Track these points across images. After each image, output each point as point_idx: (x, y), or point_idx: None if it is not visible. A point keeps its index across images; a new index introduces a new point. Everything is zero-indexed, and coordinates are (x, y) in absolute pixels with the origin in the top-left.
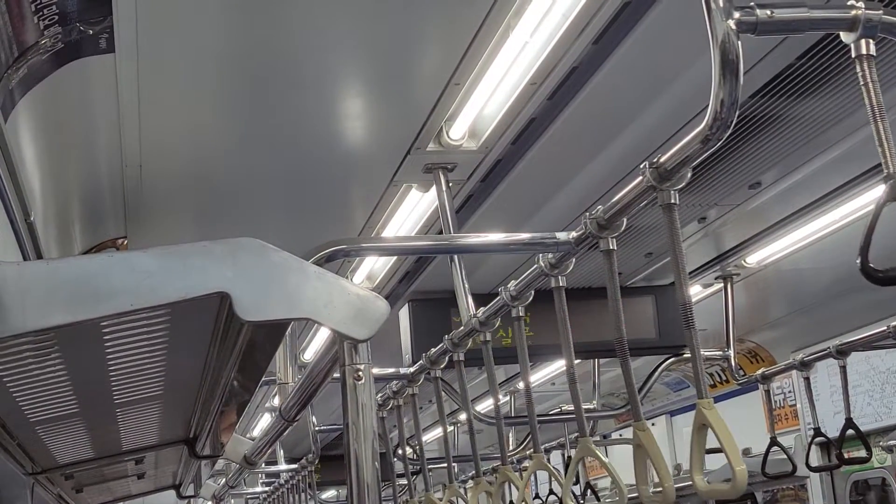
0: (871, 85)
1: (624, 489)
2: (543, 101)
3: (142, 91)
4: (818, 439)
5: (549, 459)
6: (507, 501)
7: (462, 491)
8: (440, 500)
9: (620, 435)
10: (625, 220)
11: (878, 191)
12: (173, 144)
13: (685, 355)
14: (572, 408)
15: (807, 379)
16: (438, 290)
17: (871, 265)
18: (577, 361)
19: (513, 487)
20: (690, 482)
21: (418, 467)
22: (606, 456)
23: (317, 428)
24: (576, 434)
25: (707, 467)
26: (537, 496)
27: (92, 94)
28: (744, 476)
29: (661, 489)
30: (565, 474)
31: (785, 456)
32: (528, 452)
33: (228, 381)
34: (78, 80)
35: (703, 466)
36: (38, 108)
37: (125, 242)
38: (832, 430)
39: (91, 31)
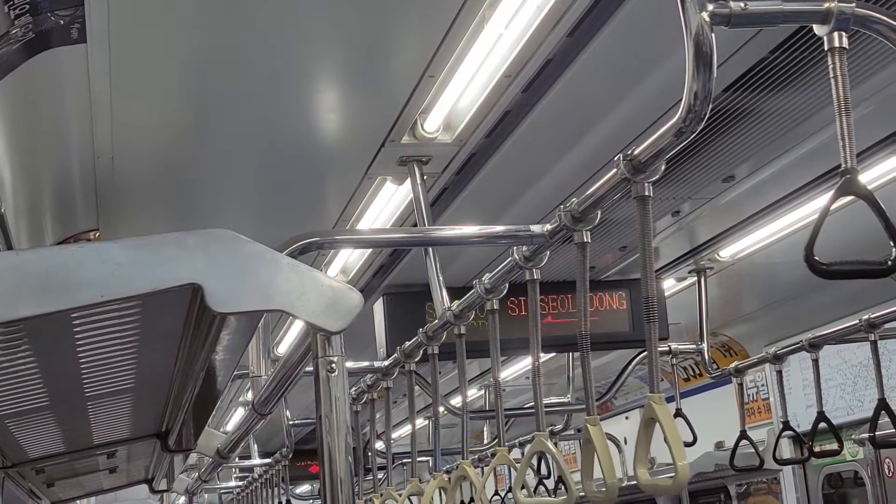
0: (840, 78)
1: (572, 485)
2: (518, 93)
3: (114, 82)
4: (787, 433)
5: (523, 453)
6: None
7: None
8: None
9: None
10: (599, 212)
11: None
12: (146, 136)
13: (660, 349)
14: (545, 401)
15: (779, 372)
16: (413, 284)
17: (816, 258)
18: (552, 355)
19: (490, 480)
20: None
21: (395, 462)
22: (581, 450)
23: (290, 422)
24: (549, 428)
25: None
26: (510, 490)
27: (63, 84)
28: (685, 472)
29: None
30: (537, 470)
31: (760, 448)
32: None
33: (201, 374)
34: (49, 70)
35: (647, 460)
36: (9, 99)
37: (97, 235)
38: (805, 423)
39: (62, 21)
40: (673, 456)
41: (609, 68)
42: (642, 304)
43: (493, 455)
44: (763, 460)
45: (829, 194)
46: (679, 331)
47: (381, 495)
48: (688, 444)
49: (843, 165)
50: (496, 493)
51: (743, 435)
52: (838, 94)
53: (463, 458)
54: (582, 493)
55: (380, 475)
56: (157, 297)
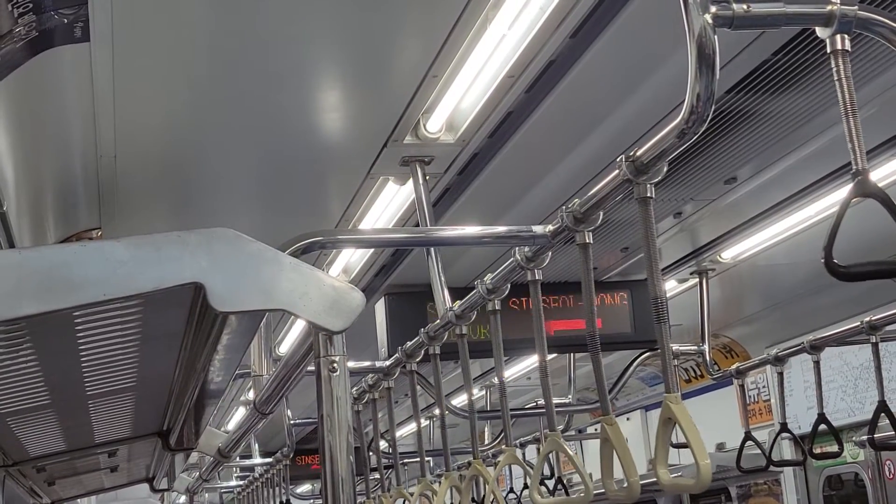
0: (844, 81)
1: (590, 484)
2: (521, 94)
3: (117, 81)
4: (785, 434)
5: (524, 454)
6: (483, 495)
7: (436, 486)
8: (412, 494)
9: (596, 430)
10: (601, 213)
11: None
12: (148, 135)
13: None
14: None
15: (780, 374)
16: (415, 284)
17: (835, 261)
18: (553, 356)
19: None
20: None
21: (393, 461)
22: (582, 450)
23: (292, 421)
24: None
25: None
26: (511, 490)
27: (66, 83)
28: (708, 471)
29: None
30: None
31: (758, 450)
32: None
33: (202, 374)
34: (52, 69)
35: (667, 460)
36: (12, 98)
37: (99, 233)
38: (806, 424)
39: (66, 20)
40: (694, 455)
41: (612, 69)
42: (651, 304)
43: (495, 455)
44: (769, 461)
45: (844, 196)
46: (680, 332)
47: (391, 495)
48: (688, 446)
49: (854, 167)
50: None
51: (748, 436)
52: (844, 97)
53: (475, 458)
54: (599, 491)
55: (378, 475)
56: (159, 295)
